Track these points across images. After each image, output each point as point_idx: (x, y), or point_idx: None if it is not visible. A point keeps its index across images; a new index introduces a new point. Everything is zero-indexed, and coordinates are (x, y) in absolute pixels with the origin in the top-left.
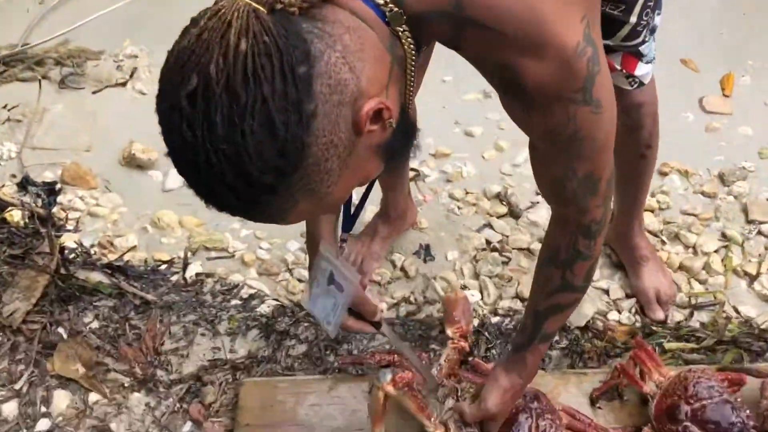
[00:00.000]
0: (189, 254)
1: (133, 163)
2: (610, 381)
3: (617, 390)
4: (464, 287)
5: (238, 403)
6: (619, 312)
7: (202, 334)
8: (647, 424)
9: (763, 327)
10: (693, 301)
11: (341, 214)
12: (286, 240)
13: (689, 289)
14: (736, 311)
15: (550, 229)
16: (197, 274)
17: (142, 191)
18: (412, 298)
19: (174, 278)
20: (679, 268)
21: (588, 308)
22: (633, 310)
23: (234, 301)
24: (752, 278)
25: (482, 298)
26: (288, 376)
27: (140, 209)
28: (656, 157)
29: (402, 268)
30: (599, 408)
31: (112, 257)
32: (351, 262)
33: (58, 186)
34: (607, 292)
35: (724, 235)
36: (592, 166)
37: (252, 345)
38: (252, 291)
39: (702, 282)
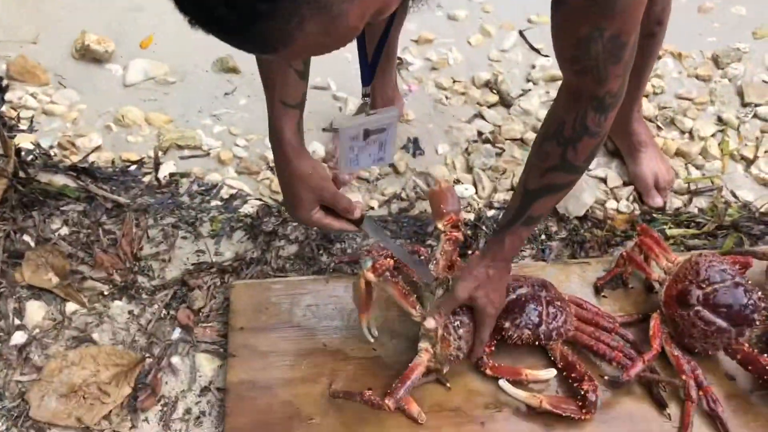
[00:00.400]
0: (160, 153)
1: (87, 55)
2: (614, 269)
3: (621, 278)
4: (457, 181)
5: (230, 306)
6: (617, 200)
7: (184, 237)
8: (655, 311)
9: (762, 210)
10: (691, 187)
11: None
12: (263, 136)
13: (687, 174)
14: (734, 196)
15: (557, 102)
16: (171, 175)
17: (100, 87)
18: (403, 195)
19: (146, 179)
20: (676, 153)
21: (587, 197)
22: (631, 198)
23: (214, 202)
24: (749, 162)
25: (476, 192)
26: (281, 277)
27: (101, 106)
28: (664, 37)
29: (391, 164)
30: (604, 297)
31: (75, 159)
32: (334, 160)
33: (5, 82)
34: (604, 180)
35: (719, 119)
36: (621, 24)
37: (238, 247)
38: (232, 191)
39: (699, 167)
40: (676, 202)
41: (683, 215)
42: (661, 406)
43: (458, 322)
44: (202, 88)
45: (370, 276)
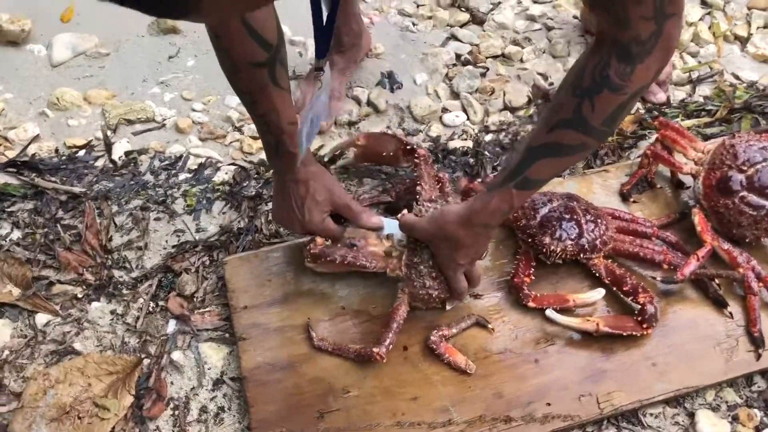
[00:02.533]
0: (109, 133)
1: (2, 38)
2: (638, 171)
3: (647, 180)
4: (445, 110)
5: (227, 285)
6: None
7: (157, 219)
8: (690, 207)
9: None
10: (692, 76)
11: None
12: (222, 96)
13: (683, 64)
14: (737, 78)
15: (586, 47)
16: (127, 153)
17: (24, 71)
18: (390, 133)
19: (99, 163)
20: None
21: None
22: None
23: (182, 176)
24: (744, 41)
25: (468, 118)
26: (277, 243)
27: (29, 92)
28: None
29: (369, 103)
30: (634, 202)
31: (11, 154)
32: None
33: None
34: None
35: (704, 2)
36: None
37: (221, 219)
38: (200, 160)
39: (694, 55)
40: (678, 94)
41: (691, 105)
42: (720, 305)
43: (417, 259)
44: (142, 54)
45: (310, 264)
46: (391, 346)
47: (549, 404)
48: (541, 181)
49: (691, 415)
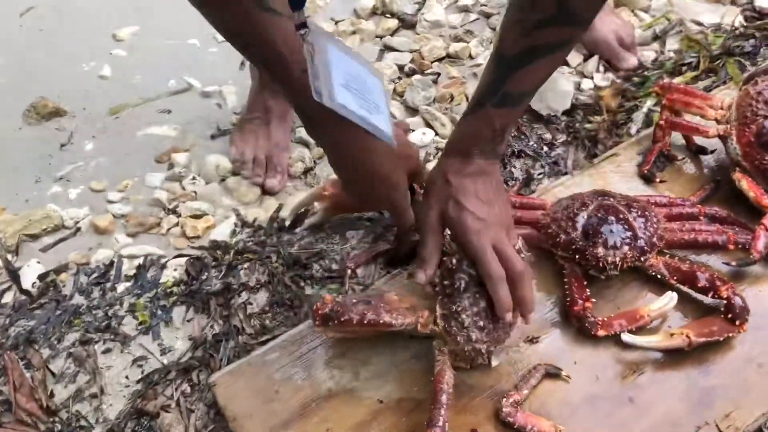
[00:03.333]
0: (10, 257)
1: None
2: (655, 147)
3: (664, 154)
4: (409, 130)
5: (225, 414)
6: (590, 77)
7: (106, 351)
8: (734, 169)
9: (735, 26)
10: (656, 32)
11: None
12: (141, 177)
13: (640, 22)
14: (699, 24)
15: None
16: (41, 277)
17: None
18: None
19: (7, 299)
20: (616, 5)
21: (564, 85)
22: (602, 69)
23: (121, 286)
24: None
25: (437, 133)
26: (270, 341)
27: None
28: None
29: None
30: (661, 182)
31: None
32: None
33: None
34: (565, 62)
35: None
36: None
37: (188, 329)
38: (137, 261)
39: (646, 10)
40: (648, 54)
41: (668, 63)
42: None
43: (457, 305)
44: (25, 150)
45: (319, 329)
46: (446, 425)
47: None
48: (525, 93)
49: None
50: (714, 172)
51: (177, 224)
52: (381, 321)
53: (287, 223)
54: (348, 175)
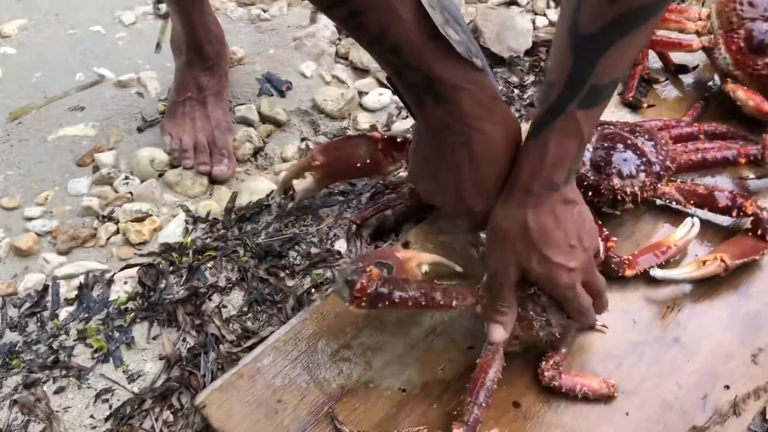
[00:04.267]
0: None
1: None
2: (635, 71)
3: (645, 79)
4: (361, 93)
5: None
6: (542, 15)
7: (59, 391)
8: (725, 81)
9: None
10: None
11: None
12: (63, 184)
13: None
14: None
15: None
16: None
17: None
18: (303, 145)
19: None
20: None
21: (521, 23)
22: (553, 4)
23: (63, 312)
24: None
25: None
26: (260, 344)
27: None
28: None
29: (264, 118)
30: (649, 107)
31: None
32: (184, 151)
33: None
34: (512, 2)
35: None
36: None
37: (157, 348)
38: (76, 281)
39: None
40: None
41: None
42: None
43: (536, 287)
44: None
45: (359, 311)
46: (478, 425)
47: (727, 387)
48: (612, 83)
49: None
50: (698, 90)
51: (117, 232)
52: (441, 302)
53: (275, 199)
54: (474, 174)
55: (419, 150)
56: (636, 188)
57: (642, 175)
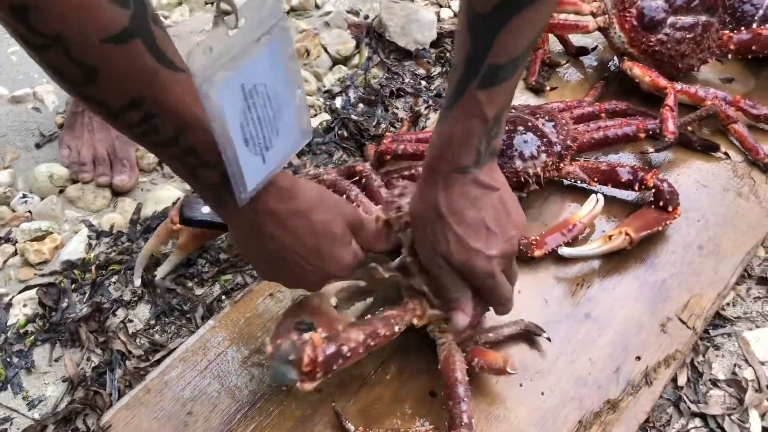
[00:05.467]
0: None
1: None
2: (536, 54)
3: (546, 63)
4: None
5: None
6: (447, 6)
7: None
8: (622, 59)
9: None
10: None
11: None
12: None
13: None
14: None
15: None
16: None
17: None
18: None
19: None
20: None
21: (425, 14)
22: None
23: None
24: None
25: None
26: (167, 357)
27: None
28: None
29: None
30: (552, 89)
31: None
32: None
33: None
34: None
35: None
36: None
37: (59, 370)
38: None
39: None
40: None
41: None
42: (712, 150)
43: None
44: None
45: (311, 386)
46: (473, 420)
47: (639, 357)
48: (518, 59)
49: (763, 281)
50: (599, 70)
51: (15, 253)
52: (384, 335)
53: (137, 281)
54: (270, 261)
55: (236, 238)
56: (539, 169)
57: (543, 156)
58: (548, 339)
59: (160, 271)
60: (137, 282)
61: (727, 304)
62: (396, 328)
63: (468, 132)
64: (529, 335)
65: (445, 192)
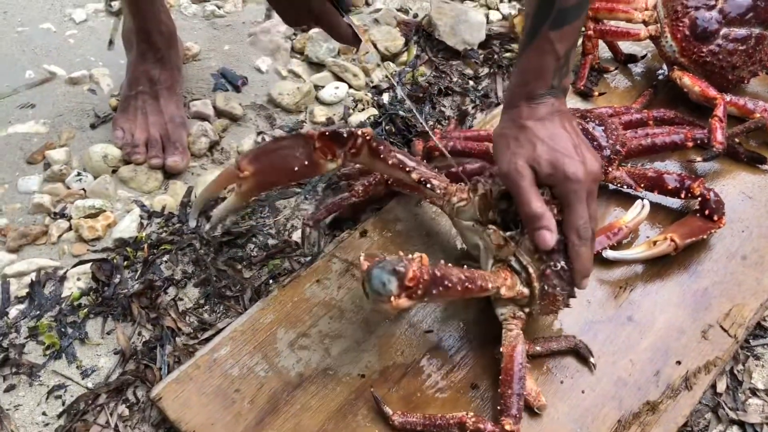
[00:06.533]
0: None
1: None
2: (585, 60)
3: (596, 68)
4: (317, 86)
5: (180, 429)
6: (495, 9)
7: (10, 389)
8: (672, 68)
9: None
10: None
11: None
12: (13, 181)
13: None
14: None
15: None
16: None
17: None
18: (260, 138)
19: None
20: None
21: (475, 16)
22: None
23: (13, 310)
24: None
25: (350, 86)
26: (217, 335)
27: None
28: None
29: (220, 113)
30: (600, 95)
31: None
32: (135, 146)
33: None
34: None
35: None
36: None
37: (111, 342)
38: (27, 278)
39: None
40: None
41: None
42: (758, 161)
43: (562, 263)
44: None
45: (406, 303)
46: (522, 414)
47: (679, 362)
48: (577, 5)
49: None
50: (647, 78)
51: (69, 228)
52: (479, 285)
53: (192, 223)
54: None
55: None
56: None
57: None
58: (594, 366)
59: (216, 212)
60: (192, 224)
61: None
62: (489, 285)
63: (543, 67)
64: (577, 353)
65: (529, 109)
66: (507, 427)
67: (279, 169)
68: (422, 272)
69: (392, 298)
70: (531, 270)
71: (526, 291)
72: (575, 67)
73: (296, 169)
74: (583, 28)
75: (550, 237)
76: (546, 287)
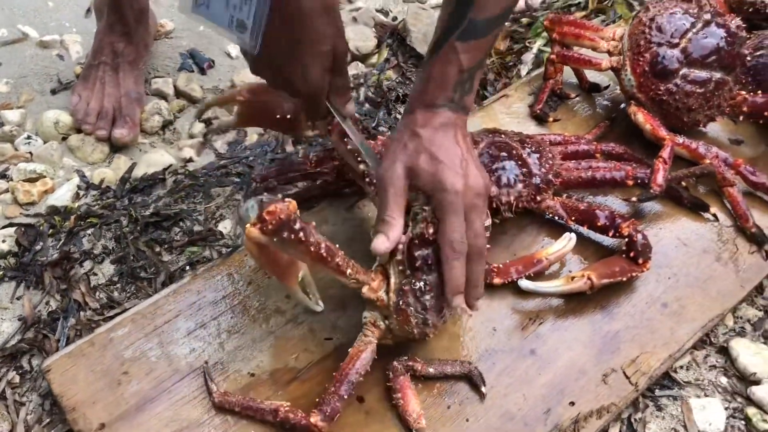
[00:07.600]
0: None
1: None
2: (546, 84)
3: (556, 93)
4: None
5: (61, 403)
6: None
7: None
8: (629, 102)
9: None
10: None
11: None
12: None
13: None
14: None
15: None
16: None
17: None
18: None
19: None
20: None
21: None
22: None
23: None
24: None
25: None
26: (119, 315)
27: None
28: None
29: (179, 93)
30: (555, 121)
31: None
32: (87, 115)
33: None
34: None
35: None
36: None
37: (17, 308)
38: None
39: None
40: None
41: (556, 3)
42: (701, 209)
43: (422, 283)
44: None
45: (256, 234)
46: (336, 415)
47: (572, 403)
48: (494, 19)
49: (723, 350)
50: (608, 109)
51: (7, 190)
52: (336, 264)
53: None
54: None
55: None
56: (512, 198)
57: (520, 186)
58: (484, 395)
59: (220, 121)
60: (198, 117)
61: (681, 367)
62: (348, 272)
63: (445, 76)
64: (470, 380)
65: (424, 117)
66: (312, 419)
67: (268, 108)
68: (281, 211)
69: (248, 226)
70: (392, 281)
71: (385, 299)
72: (535, 91)
73: (279, 116)
74: (548, 51)
75: (382, 242)
76: (400, 303)
